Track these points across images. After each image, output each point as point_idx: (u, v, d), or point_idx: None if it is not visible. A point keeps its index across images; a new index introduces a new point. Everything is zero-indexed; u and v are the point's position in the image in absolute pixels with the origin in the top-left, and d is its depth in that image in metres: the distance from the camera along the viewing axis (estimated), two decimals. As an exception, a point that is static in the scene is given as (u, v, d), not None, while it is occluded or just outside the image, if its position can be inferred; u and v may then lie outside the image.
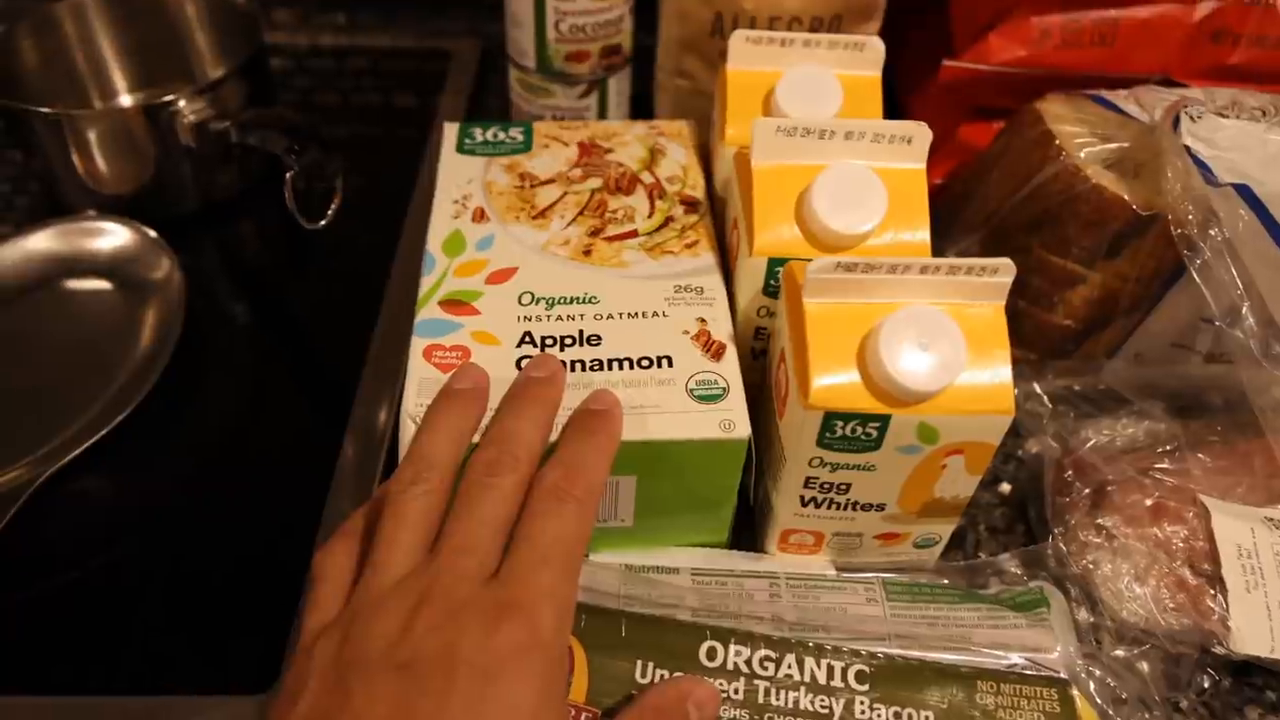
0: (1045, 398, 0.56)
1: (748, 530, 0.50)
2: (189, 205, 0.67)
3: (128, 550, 0.50)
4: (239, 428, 0.56)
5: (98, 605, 0.48)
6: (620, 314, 0.46)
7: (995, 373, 0.41)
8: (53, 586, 0.49)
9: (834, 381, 0.40)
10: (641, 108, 0.75)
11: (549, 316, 0.46)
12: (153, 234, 0.60)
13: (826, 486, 0.44)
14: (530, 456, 0.38)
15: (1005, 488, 0.55)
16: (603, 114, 0.72)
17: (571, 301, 0.47)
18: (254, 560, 0.50)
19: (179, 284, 0.58)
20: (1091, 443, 0.53)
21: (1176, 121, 0.50)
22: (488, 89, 0.84)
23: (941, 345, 0.40)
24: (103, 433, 0.51)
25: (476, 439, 0.40)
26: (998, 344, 0.41)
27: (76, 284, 0.61)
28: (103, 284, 0.60)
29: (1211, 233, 0.49)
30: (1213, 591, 0.47)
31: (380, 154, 0.76)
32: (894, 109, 0.66)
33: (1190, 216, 0.49)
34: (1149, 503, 0.49)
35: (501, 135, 0.57)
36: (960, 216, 0.60)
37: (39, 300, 0.60)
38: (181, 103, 0.61)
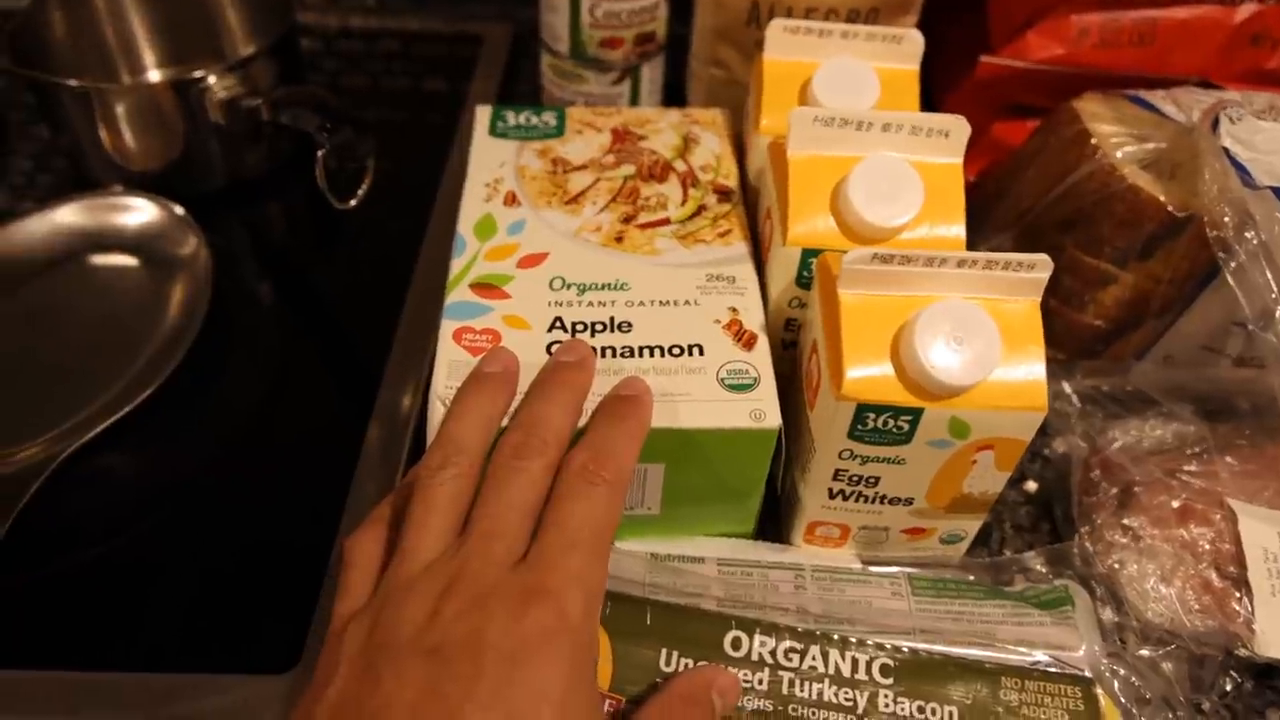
0: (1074, 397, 0.56)
1: (773, 521, 0.50)
2: (216, 183, 0.67)
3: (151, 528, 0.50)
4: (264, 408, 0.56)
5: (120, 582, 0.48)
6: (651, 301, 0.46)
7: (1029, 369, 0.41)
8: (76, 563, 0.49)
9: (867, 374, 0.40)
10: (675, 96, 0.75)
11: (580, 302, 0.46)
12: (180, 210, 0.60)
13: (856, 479, 0.44)
14: (558, 441, 0.38)
15: (1031, 486, 0.55)
16: (635, 101, 0.71)
17: (603, 288, 0.47)
18: (278, 541, 0.50)
19: (206, 261, 0.58)
20: (1119, 443, 0.53)
21: (1215, 123, 0.49)
22: (519, 74, 0.84)
23: (976, 340, 0.40)
24: (127, 409, 0.51)
25: (505, 423, 0.40)
26: (1033, 340, 0.41)
27: (103, 259, 0.61)
28: (129, 260, 0.60)
29: (1247, 235, 0.48)
30: (1238, 594, 0.47)
31: (409, 137, 0.76)
32: (930, 105, 0.66)
33: (1226, 219, 0.49)
34: (1176, 504, 0.49)
35: (534, 120, 0.57)
36: (993, 213, 0.60)
37: (66, 275, 0.60)
38: (211, 79, 0.61)
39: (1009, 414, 0.41)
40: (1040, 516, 0.54)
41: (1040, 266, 0.41)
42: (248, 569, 0.49)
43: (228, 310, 0.59)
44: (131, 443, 0.53)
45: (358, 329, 0.61)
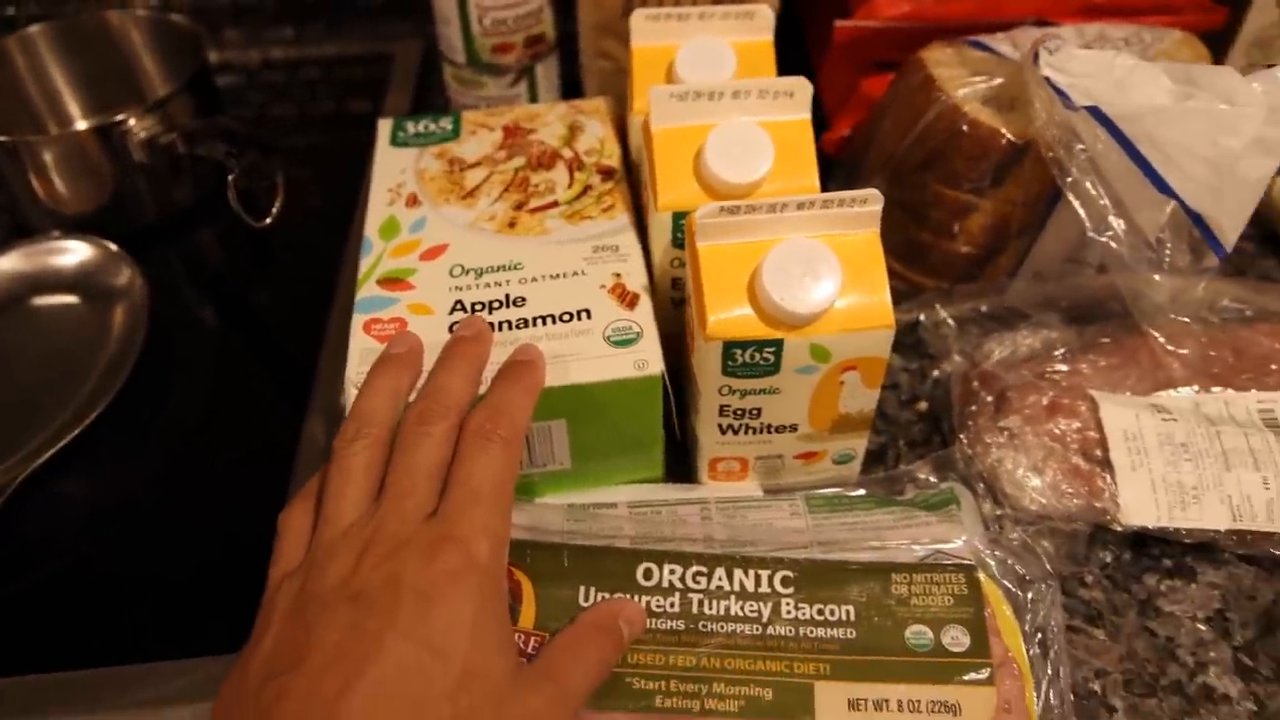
0: (952, 322, 0.61)
1: (683, 466, 0.55)
2: (147, 218, 0.71)
3: (109, 537, 0.55)
4: (208, 420, 0.61)
5: (82, 589, 0.52)
6: (543, 276, 0.51)
7: (874, 292, 0.46)
8: (39, 574, 0.53)
9: (729, 315, 0.45)
10: (573, 91, 0.79)
11: (478, 285, 0.50)
12: (114, 247, 0.65)
13: (740, 413, 0.49)
14: (458, 405, 0.42)
15: (923, 405, 0.60)
16: (534, 99, 0.76)
17: (498, 270, 0.51)
18: (225, 537, 0.54)
19: (141, 290, 0.62)
20: (995, 356, 0.58)
21: (1036, 56, 0.54)
22: (431, 87, 0.89)
23: (820, 272, 0.44)
24: (75, 433, 0.56)
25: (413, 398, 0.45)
26: (874, 266, 0.46)
27: (44, 300, 0.65)
28: (70, 298, 0.65)
29: (1076, 152, 0.53)
30: (1104, 474, 0.52)
31: (334, 158, 0.80)
32: (808, 70, 0.70)
33: (1057, 140, 0.54)
34: (1045, 401, 0.54)
35: (432, 126, 0.62)
36: (864, 163, 0.65)
37: (11, 318, 0.64)
38: (131, 121, 0.65)
39: (861, 334, 0.46)
40: (931, 432, 0.58)
41: (872, 200, 0.45)
42: (199, 565, 0.53)
43: (167, 335, 0.64)
44: (84, 465, 0.57)
45: (289, 339, 0.66)
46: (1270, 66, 0.52)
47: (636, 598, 0.46)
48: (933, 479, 0.53)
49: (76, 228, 0.67)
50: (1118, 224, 0.53)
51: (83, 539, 0.55)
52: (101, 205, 0.69)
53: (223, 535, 0.55)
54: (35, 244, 0.65)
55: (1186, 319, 0.57)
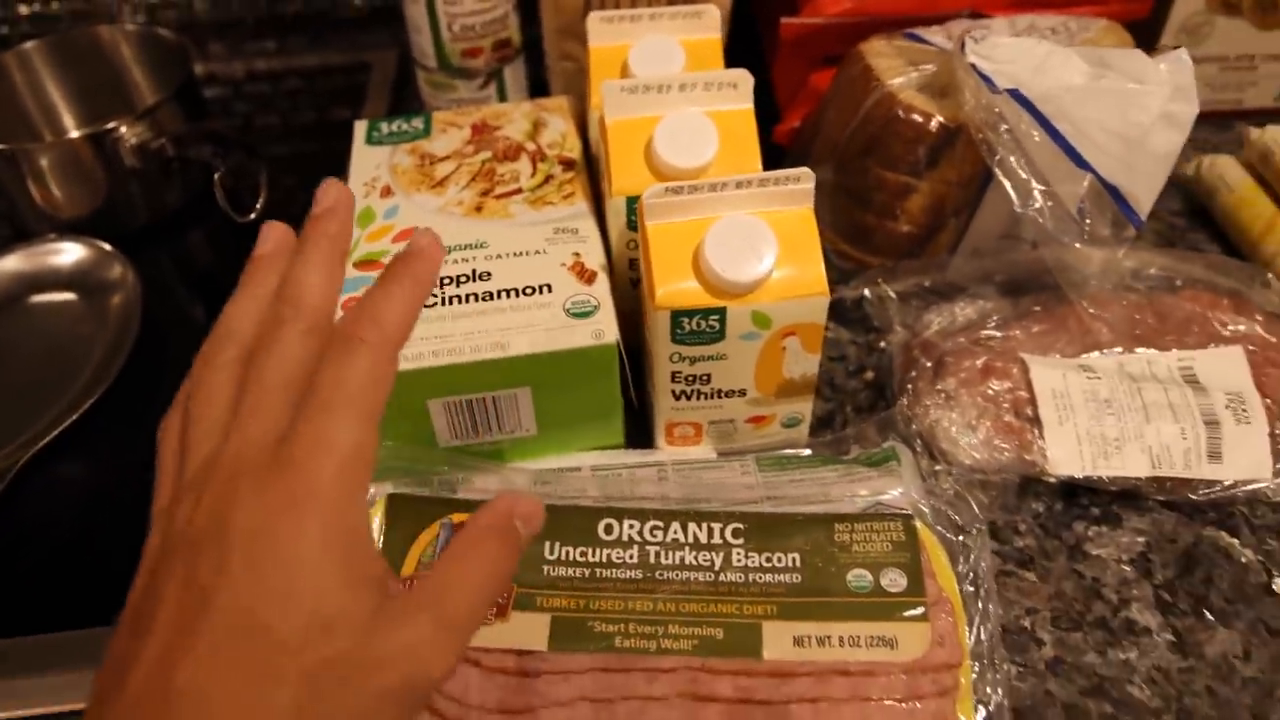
0: (895, 297, 0.65)
1: (643, 434, 0.59)
2: (139, 221, 0.75)
3: (104, 515, 0.59)
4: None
5: (77, 562, 0.56)
6: (507, 254, 0.55)
7: (809, 263, 0.50)
8: (39, 549, 0.57)
9: (676, 287, 0.49)
10: (539, 91, 0.83)
11: (446, 261, 0.54)
12: (107, 246, 0.69)
13: (691, 379, 0.53)
14: (317, 304, 0.36)
15: (869, 375, 0.64)
16: (503, 100, 0.80)
17: (465, 248, 0.55)
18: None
19: (134, 285, 0.66)
20: (934, 326, 0.62)
21: (964, 46, 0.58)
22: (405, 94, 0.93)
23: (759, 245, 0.48)
24: (73, 419, 0.60)
25: None
26: (809, 240, 0.50)
27: (42, 298, 0.69)
28: (67, 295, 0.69)
29: (1002, 131, 0.57)
30: (1033, 429, 0.56)
31: (316, 163, 0.84)
32: (763, 65, 0.74)
33: (984, 121, 0.58)
34: (979, 365, 0.58)
35: (404, 126, 0.66)
36: (812, 152, 0.69)
37: (11, 315, 0.68)
38: (123, 129, 0.69)
39: (798, 301, 0.50)
40: (876, 399, 0.62)
41: (805, 179, 0.49)
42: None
43: (159, 328, 0.67)
44: (81, 449, 0.61)
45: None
46: (1176, 48, 0.56)
47: (598, 551, 0.50)
48: (875, 439, 0.57)
49: (72, 231, 0.71)
50: (1042, 198, 0.57)
51: (79, 517, 0.59)
52: (95, 209, 0.73)
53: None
54: (34, 245, 0.69)
55: (1112, 288, 0.61)
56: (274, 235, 0.39)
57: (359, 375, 0.33)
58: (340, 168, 0.62)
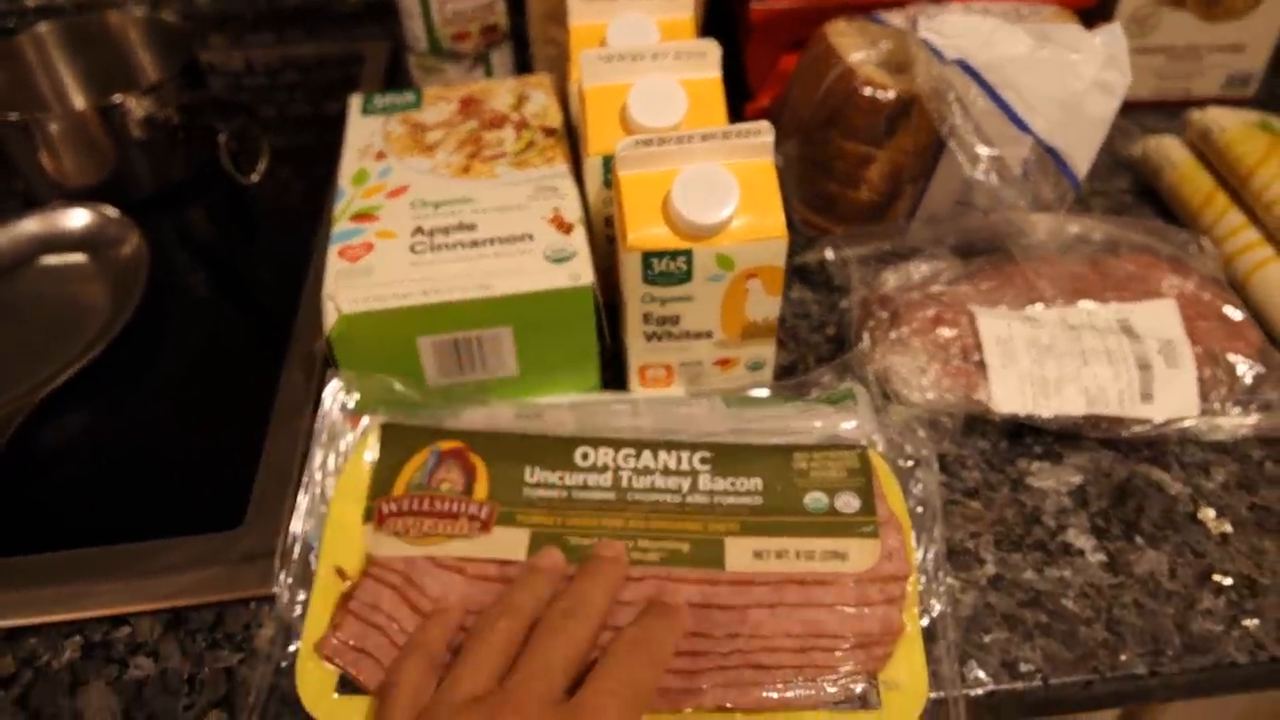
0: (857, 260, 0.69)
1: (618, 381, 0.63)
2: (145, 191, 0.80)
3: (111, 453, 0.62)
4: (199, 363, 0.69)
5: (92, 490, 0.60)
6: (491, 208, 0.59)
7: (769, 210, 0.54)
8: (55, 479, 0.61)
9: (647, 231, 0.53)
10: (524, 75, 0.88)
11: (436, 214, 0.59)
12: (116, 212, 0.73)
13: (661, 320, 0.57)
14: (599, 613, 0.45)
15: (830, 330, 0.68)
16: (489, 83, 0.85)
17: (453, 203, 0.60)
18: (219, 449, 0.62)
19: (140, 246, 0.71)
20: (891, 283, 0.66)
21: (916, 22, 0.63)
22: (398, 83, 0.97)
23: (722, 192, 0.53)
24: (81, 365, 0.64)
25: None
26: (770, 188, 0.54)
27: (55, 259, 0.73)
28: (77, 256, 0.73)
29: (951, 99, 0.62)
30: (979, 372, 0.60)
31: (312, 149, 0.88)
32: (736, 48, 0.79)
33: (935, 91, 0.63)
34: (930, 315, 0.62)
35: (397, 99, 0.70)
36: (780, 127, 0.73)
37: (26, 273, 0.73)
38: (130, 102, 0.73)
39: (759, 244, 0.54)
40: (837, 351, 0.67)
41: (764, 132, 0.54)
42: (197, 465, 0.61)
43: (162, 291, 0.71)
44: (88, 397, 0.65)
45: (271, 296, 0.73)
46: (1108, 23, 0.61)
47: (574, 475, 0.54)
48: (835, 382, 0.61)
49: (81, 200, 0.75)
50: (989, 162, 0.62)
51: (84, 459, 0.62)
52: (103, 179, 0.77)
53: (211, 448, 0.62)
54: (46, 210, 0.74)
55: (1057, 250, 0.65)
56: (552, 557, 0.50)
57: (642, 678, 0.43)
58: (336, 158, 0.66)
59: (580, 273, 0.55)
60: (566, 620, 0.44)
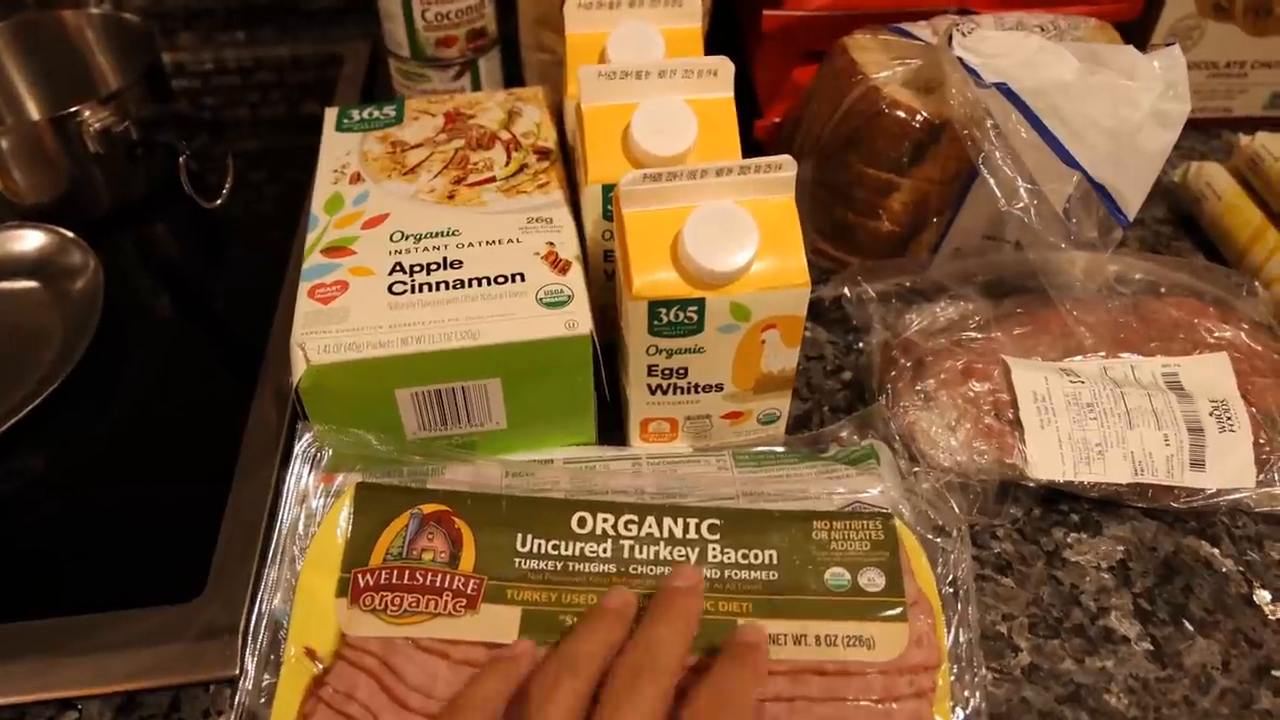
0: (877, 296, 0.63)
1: (616, 433, 0.57)
2: (102, 209, 0.73)
3: (65, 499, 0.57)
4: (161, 395, 0.63)
5: (40, 548, 0.54)
6: (479, 242, 0.53)
7: (790, 253, 0.48)
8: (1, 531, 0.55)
9: (654, 276, 0.47)
10: (515, 85, 0.82)
11: (417, 249, 0.53)
12: (69, 233, 0.67)
13: (667, 372, 0.51)
14: (673, 665, 0.40)
15: (847, 375, 0.62)
16: (476, 91, 0.79)
17: (437, 235, 0.54)
18: (178, 500, 0.57)
19: (96, 272, 0.64)
20: (915, 326, 0.61)
21: (950, 39, 0.57)
22: (378, 87, 0.91)
23: (739, 234, 0.47)
24: (35, 404, 0.58)
25: None
26: (791, 230, 0.49)
27: (4, 285, 0.67)
28: (29, 282, 0.67)
29: (988, 126, 0.56)
30: (1014, 432, 0.54)
31: (285, 153, 0.83)
32: (744, 59, 0.73)
33: (970, 116, 0.57)
34: (960, 366, 0.57)
35: (376, 113, 0.64)
36: (793, 146, 0.68)
37: (-29, 302, 0.66)
38: (86, 112, 0.67)
39: (779, 293, 0.48)
40: (855, 400, 0.61)
41: (786, 166, 0.48)
42: (147, 529, 0.55)
43: (121, 316, 0.66)
44: (43, 435, 0.59)
45: (240, 321, 0.68)
46: (1170, 44, 0.55)
47: (570, 544, 0.48)
48: (854, 438, 0.56)
49: (34, 218, 0.69)
50: (1028, 197, 0.56)
51: (39, 503, 0.57)
52: (58, 195, 0.71)
53: (174, 493, 0.57)
54: (-5, 232, 0.67)
55: (1096, 292, 0.60)
56: (623, 597, 0.45)
57: None
58: (311, 163, 0.60)
59: (578, 319, 0.50)
60: (637, 680, 0.39)
